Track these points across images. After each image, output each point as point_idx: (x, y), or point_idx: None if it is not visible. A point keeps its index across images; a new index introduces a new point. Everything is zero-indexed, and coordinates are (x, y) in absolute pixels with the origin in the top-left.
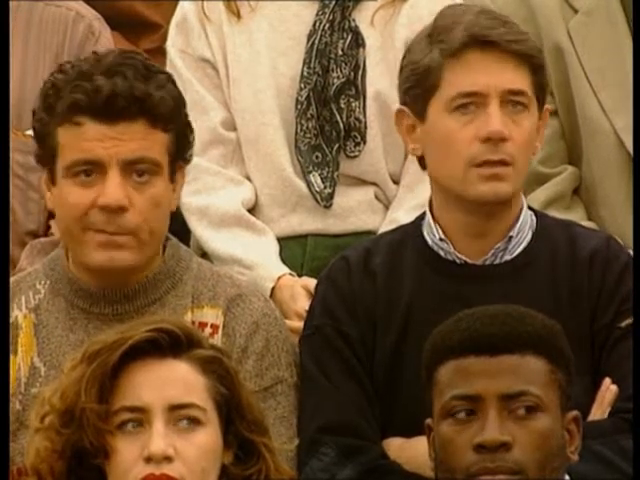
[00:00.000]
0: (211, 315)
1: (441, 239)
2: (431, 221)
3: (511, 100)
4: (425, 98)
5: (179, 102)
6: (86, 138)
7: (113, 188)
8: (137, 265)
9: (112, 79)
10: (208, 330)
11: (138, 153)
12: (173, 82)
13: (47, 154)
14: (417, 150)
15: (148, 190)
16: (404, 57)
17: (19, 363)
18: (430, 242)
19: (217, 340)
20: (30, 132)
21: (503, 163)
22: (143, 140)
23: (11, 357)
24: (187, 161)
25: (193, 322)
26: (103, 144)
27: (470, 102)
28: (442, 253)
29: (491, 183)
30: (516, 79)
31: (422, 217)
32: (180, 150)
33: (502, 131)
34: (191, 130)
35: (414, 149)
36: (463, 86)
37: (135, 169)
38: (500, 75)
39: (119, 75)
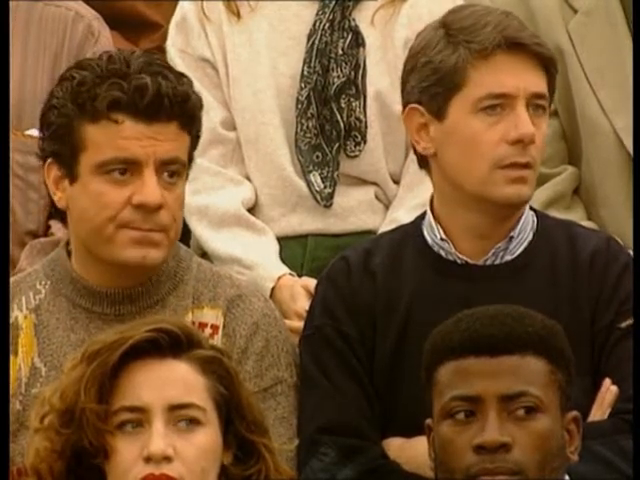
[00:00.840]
0: (211, 316)
1: (442, 239)
2: (432, 221)
3: (534, 103)
4: (446, 97)
5: (202, 105)
6: (123, 136)
7: (152, 187)
8: (161, 264)
9: (156, 79)
10: (208, 331)
11: (172, 154)
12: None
13: (67, 151)
14: (429, 149)
15: (175, 191)
16: (415, 56)
17: (19, 364)
18: (430, 242)
19: (217, 341)
20: (30, 132)
21: (528, 166)
22: (175, 141)
23: (11, 357)
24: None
25: (193, 323)
26: (141, 143)
27: (497, 104)
28: (443, 253)
29: (516, 185)
30: (539, 82)
31: (422, 217)
32: (193, 152)
33: (534, 133)
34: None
35: (425, 148)
36: (492, 87)
37: (167, 169)
38: (527, 77)
39: (160, 75)
